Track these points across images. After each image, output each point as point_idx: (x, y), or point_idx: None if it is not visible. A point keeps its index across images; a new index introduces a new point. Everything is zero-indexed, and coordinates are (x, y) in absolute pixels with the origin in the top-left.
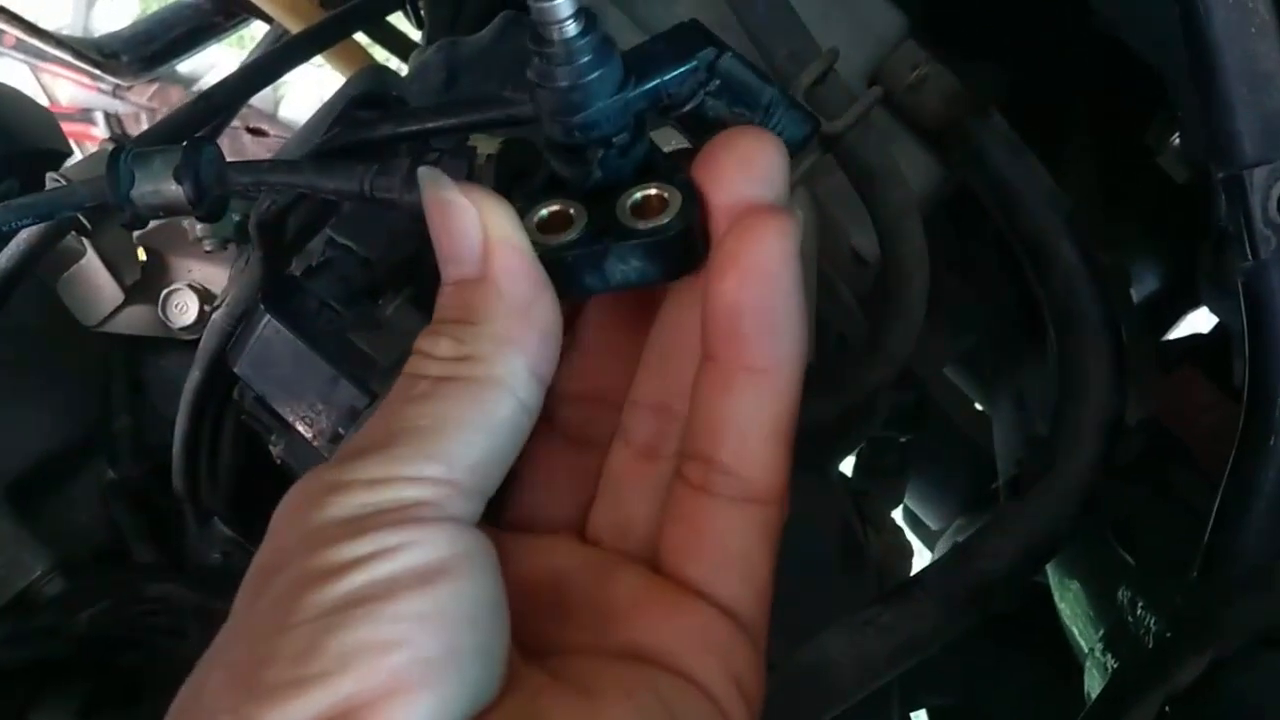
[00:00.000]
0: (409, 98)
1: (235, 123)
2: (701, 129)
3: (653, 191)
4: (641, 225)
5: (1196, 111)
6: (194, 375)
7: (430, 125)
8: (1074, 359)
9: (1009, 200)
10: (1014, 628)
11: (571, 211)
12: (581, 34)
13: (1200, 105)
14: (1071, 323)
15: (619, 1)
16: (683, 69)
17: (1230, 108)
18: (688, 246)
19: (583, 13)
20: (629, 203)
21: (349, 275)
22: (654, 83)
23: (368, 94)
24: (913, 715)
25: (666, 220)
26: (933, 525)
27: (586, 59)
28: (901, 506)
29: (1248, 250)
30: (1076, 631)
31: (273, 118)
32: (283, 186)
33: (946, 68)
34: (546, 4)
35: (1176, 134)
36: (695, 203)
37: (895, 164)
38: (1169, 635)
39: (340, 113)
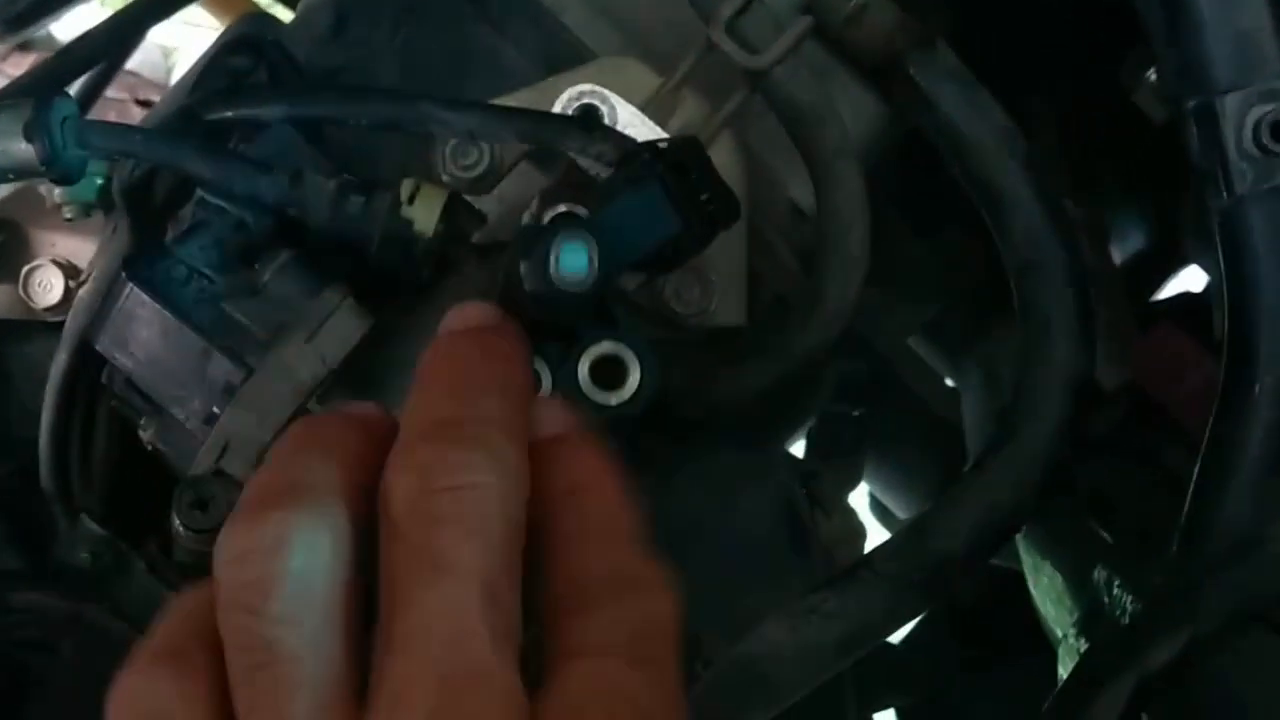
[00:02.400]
0: (291, 46)
1: (123, 94)
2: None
3: (612, 352)
4: (604, 400)
5: (1165, 36)
6: (60, 359)
7: (327, 112)
8: (1036, 315)
9: (959, 142)
10: (984, 623)
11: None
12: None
13: (1166, 25)
14: (1032, 274)
15: None
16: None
17: (1198, 27)
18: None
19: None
20: (588, 364)
21: (221, 239)
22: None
23: (243, 37)
24: (879, 717)
25: (631, 395)
26: (902, 514)
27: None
28: (869, 495)
29: (1222, 187)
30: (1050, 617)
31: (163, 87)
32: (155, 164)
33: None
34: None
35: (1152, 69)
36: (653, 365)
37: (829, 101)
38: (1144, 613)
39: (210, 60)
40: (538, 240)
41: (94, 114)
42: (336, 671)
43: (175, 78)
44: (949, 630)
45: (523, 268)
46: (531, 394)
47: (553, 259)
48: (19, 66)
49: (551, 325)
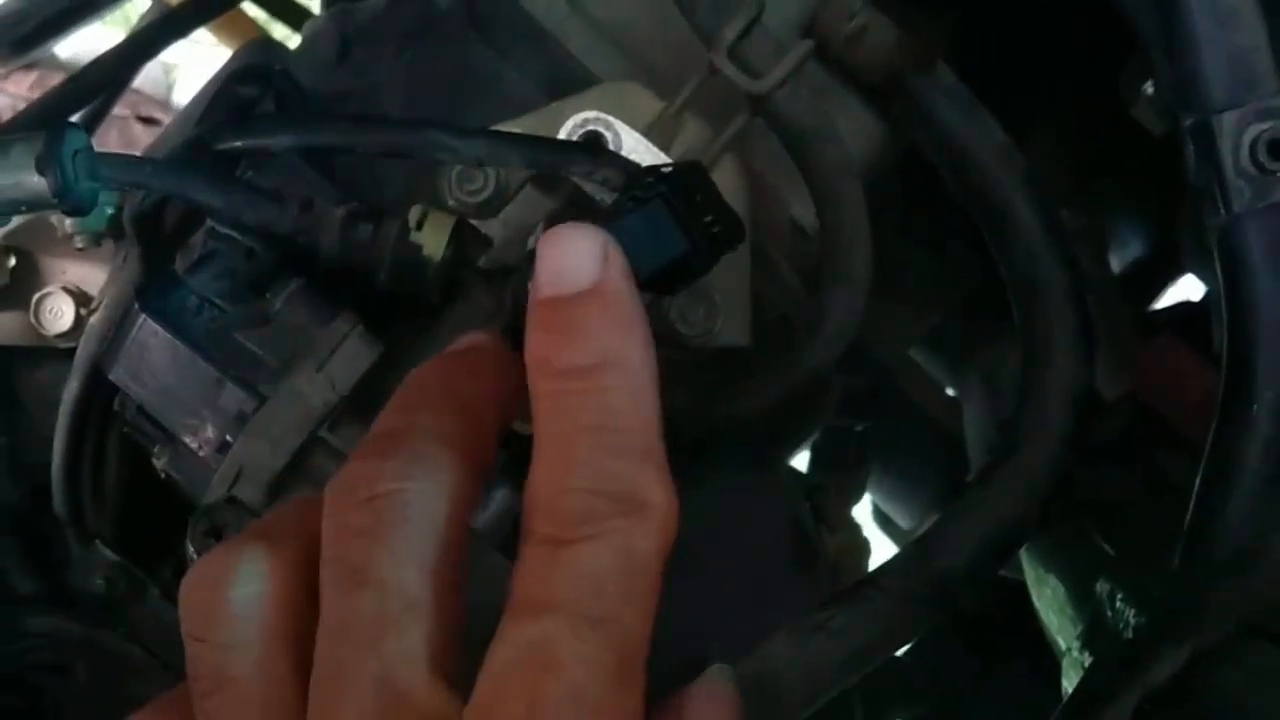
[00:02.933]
0: (296, 73)
1: (125, 111)
2: None
3: None
4: None
5: (1161, 53)
6: (72, 386)
7: (335, 142)
8: (1036, 330)
9: (958, 160)
10: (992, 631)
11: None
12: None
13: (1164, 44)
14: (1032, 291)
15: (574, 5)
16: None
17: (1196, 47)
18: None
19: None
20: None
21: (233, 268)
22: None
23: (250, 67)
24: None
25: None
26: (904, 524)
27: None
28: (871, 505)
29: (1220, 204)
30: (1054, 630)
31: (165, 104)
32: (167, 194)
33: (888, 17)
34: None
35: (1150, 81)
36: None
37: (830, 122)
38: (1147, 627)
39: (219, 89)
40: None
41: (97, 134)
42: (282, 693)
43: (176, 94)
44: (957, 637)
45: (531, 279)
46: (498, 407)
47: None
48: (20, 85)
49: None
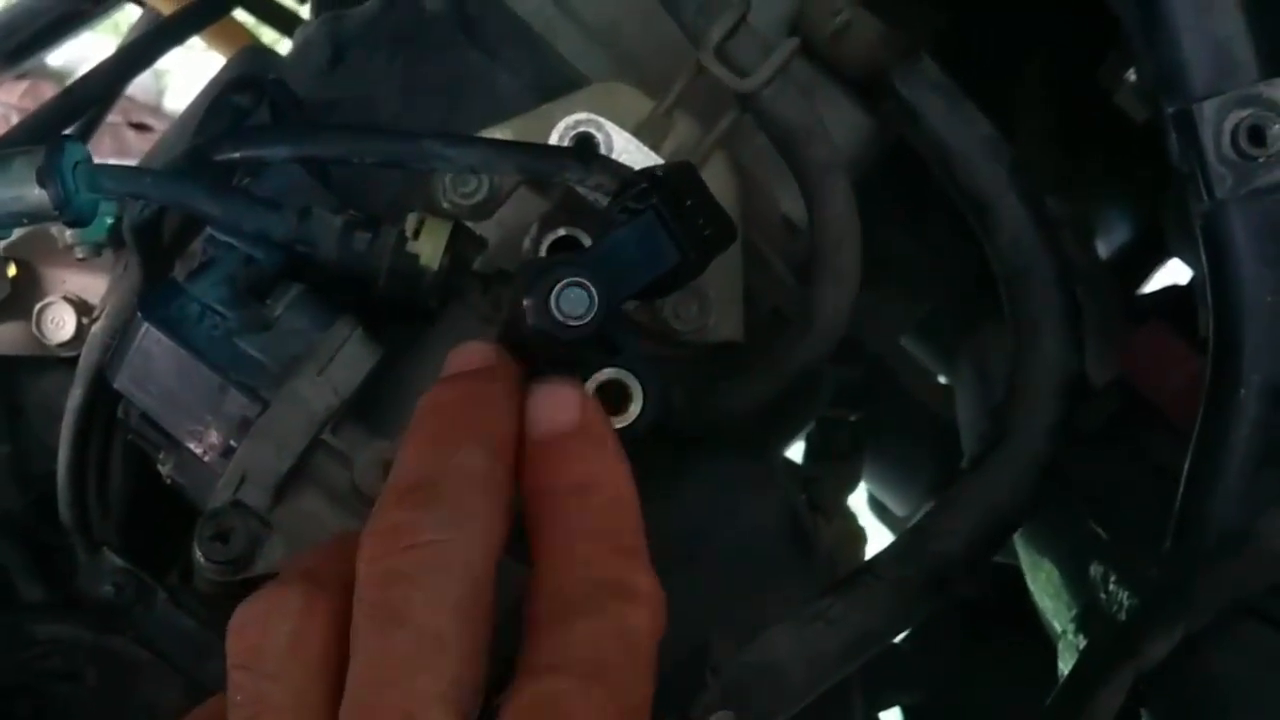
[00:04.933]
0: (290, 80)
1: (117, 117)
2: None
3: (615, 378)
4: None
5: (1143, 42)
6: (75, 395)
7: (331, 152)
8: (1025, 318)
9: (946, 152)
10: (988, 616)
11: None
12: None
13: (1145, 34)
14: (1020, 279)
15: (561, 6)
16: (648, 279)
17: (1176, 36)
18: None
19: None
20: (593, 390)
21: (233, 275)
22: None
23: (244, 76)
24: (883, 716)
25: (634, 419)
26: (899, 511)
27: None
28: (867, 494)
29: (1203, 190)
30: (1049, 613)
31: (156, 110)
32: (166, 204)
33: (872, 11)
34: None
35: (1132, 69)
36: (656, 390)
37: (817, 119)
38: (1139, 610)
39: (215, 100)
40: (539, 281)
41: (89, 141)
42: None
43: (167, 100)
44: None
45: (525, 305)
46: (516, 437)
47: (554, 300)
48: (12, 93)
49: (555, 355)
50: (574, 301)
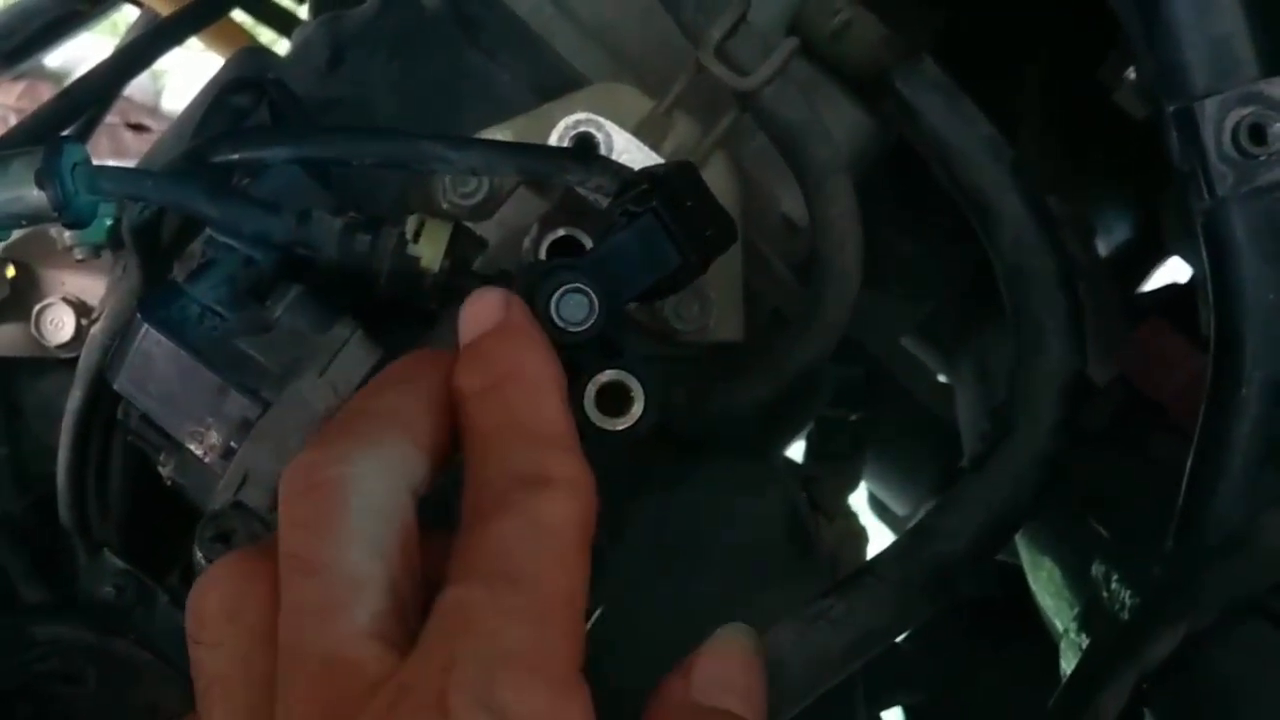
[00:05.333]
0: (289, 80)
1: (115, 118)
2: None
3: (616, 380)
4: (609, 426)
5: (1143, 41)
6: (75, 396)
7: (330, 154)
8: (1027, 318)
9: (946, 152)
10: (991, 616)
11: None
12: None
13: (1145, 32)
14: (1022, 279)
15: (559, 6)
16: (648, 283)
17: (1176, 35)
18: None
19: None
20: (594, 392)
21: (232, 276)
22: (622, 301)
23: (243, 78)
24: (885, 716)
25: (635, 421)
26: (900, 511)
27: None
28: (868, 494)
29: (1204, 189)
30: (1051, 612)
31: (154, 110)
32: (165, 206)
33: (872, 11)
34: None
35: (1132, 68)
36: (657, 392)
37: (819, 119)
38: (1141, 609)
39: (214, 101)
40: (539, 286)
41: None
42: (263, 685)
43: (165, 101)
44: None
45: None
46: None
47: (554, 306)
48: (9, 95)
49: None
50: (574, 307)
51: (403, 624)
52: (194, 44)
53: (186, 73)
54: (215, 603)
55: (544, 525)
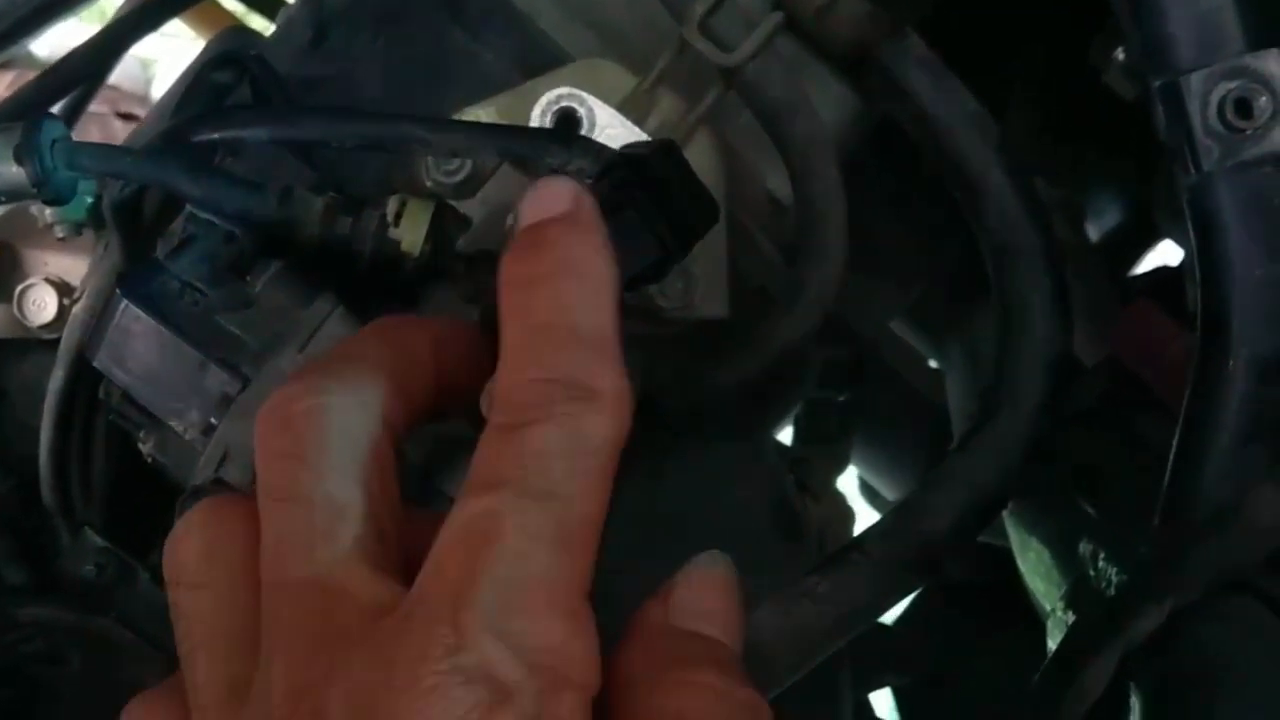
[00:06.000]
0: (273, 59)
1: (104, 107)
2: None
3: None
4: None
5: (1129, 15)
6: (57, 376)
7: (309, 135)
8: (1013, 298)
9: (932, 129)
10: (981, 597)
11: None
12: None
13: (1131, 7)
14: (1007, 257)
15: None
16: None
17: (1162, 8)
18: None
19: None
20: None
21: (213, 252)
22: None
23: (225, 54)
24: (874, 697)
25: None
26: (889, 495)
27: None
28: (858, 479)
29: (1190, 164)
30: (1039, 592)
31: (144, 99)
32: (145, 184)
33: None
34: None
35: (1121, 48)
36: (638, 373)
37: (802, 95)
38: (1127, 586)
39: (195, 77)
40: None
41: (77, 129)
42: (245, 622)
43: (155, 90)
44: (946, 604)
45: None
46: (440, 361)
47: None
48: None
49: None
50: None
51: (386, 552)
52: (185, 33)
53: (177, 62)
54: (194, 544)
55: (587, 441)
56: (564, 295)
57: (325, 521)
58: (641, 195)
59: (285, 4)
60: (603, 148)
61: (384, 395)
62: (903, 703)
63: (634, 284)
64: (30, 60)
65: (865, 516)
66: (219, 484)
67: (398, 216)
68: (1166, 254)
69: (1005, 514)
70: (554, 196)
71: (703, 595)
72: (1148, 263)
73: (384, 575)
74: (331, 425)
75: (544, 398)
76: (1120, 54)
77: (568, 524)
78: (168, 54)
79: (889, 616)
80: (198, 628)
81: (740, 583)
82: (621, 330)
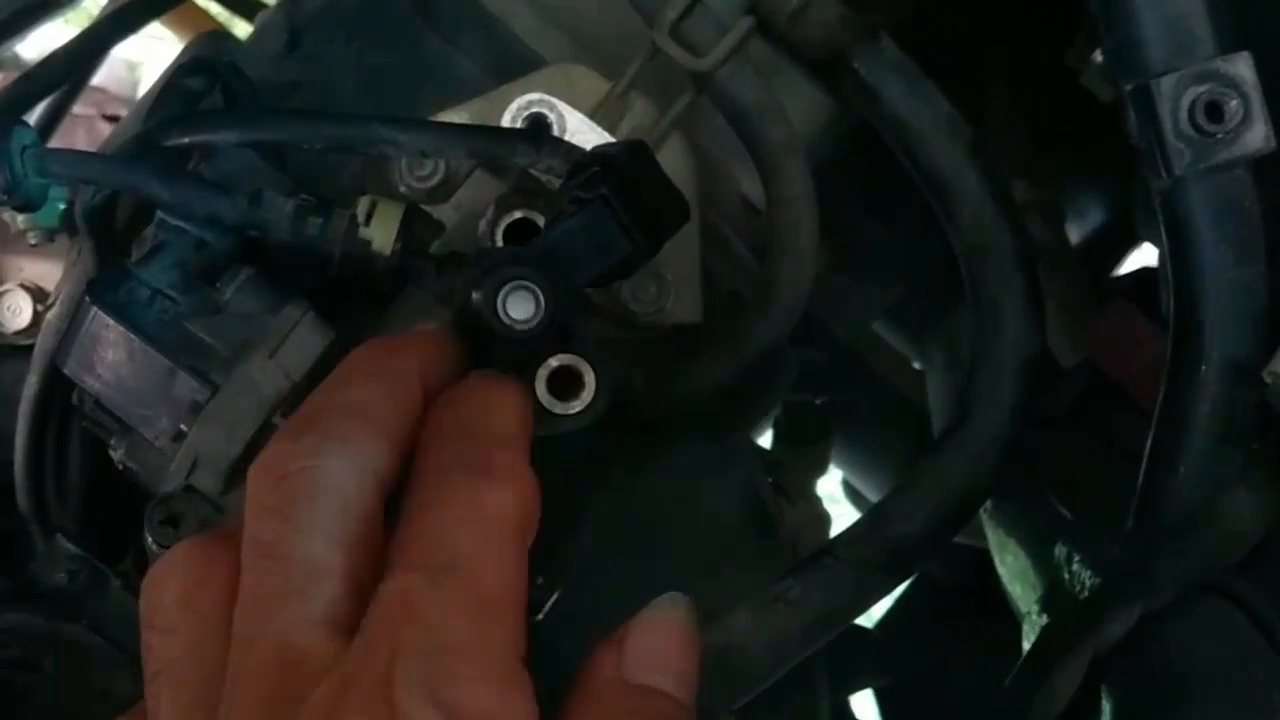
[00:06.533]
0: (246, 64)
1: (90, 110)
2: None
3: (567, 364)
4: (562, 410)
5: (1102, 18)
6: (31, 382)
7: (279, 137)
8: (985, 299)
9: (905, 133)
10: (959, 600)
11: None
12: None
13: (1102, 10)
14: (980, 258)
15: None
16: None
17: (1133, 13)
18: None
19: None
20: (545, 377)
21: (183, 259)
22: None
23: (198, 60)
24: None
25: (587, 405)
26: (873, 496)
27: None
28: (841, 479)
29: (1161, 167)
30: (1017, 594)
31: (130, 102)
32: (116, 189)
33: None
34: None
35: (1098, 50)
36: (609, 375)
37: (774, 100)
38: (1100, 589)
39: (166, 83)
40: (485, 281)
41: (62, 131)
42: (213, 671)
43: (141, 92)
44: (925, 607)
45: (474, 300)
46: (428, 383)
47: (501, 302)
48: None
49: (508, 344)
50: (521, 304)
51: (360, 616)
52: (170, 37)
53: (163, 65)
54: (171, 588)
55: (484, 514)
56: (462, 406)
57: (301, 582)
58: (610, 191)
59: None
60: (572, 147)
61: (377, 452)
62: (884, 704)
63: (603, 280)
64: (16, 63)
65: (849, 517)
66: (189, 490)
67: (369, 217)
68: (1151, 254)
69: (983, 516)
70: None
71: (657, 645)
72: (1131, 262)
73: (344, 640)
74: (322, 488)
75: (443, 481)
76: (1098, 56)
77: (479, 591)
78: (154, 56)
79: (869, 619)
80: (166, 673)
81: (699, 626)
82: (526, 428)
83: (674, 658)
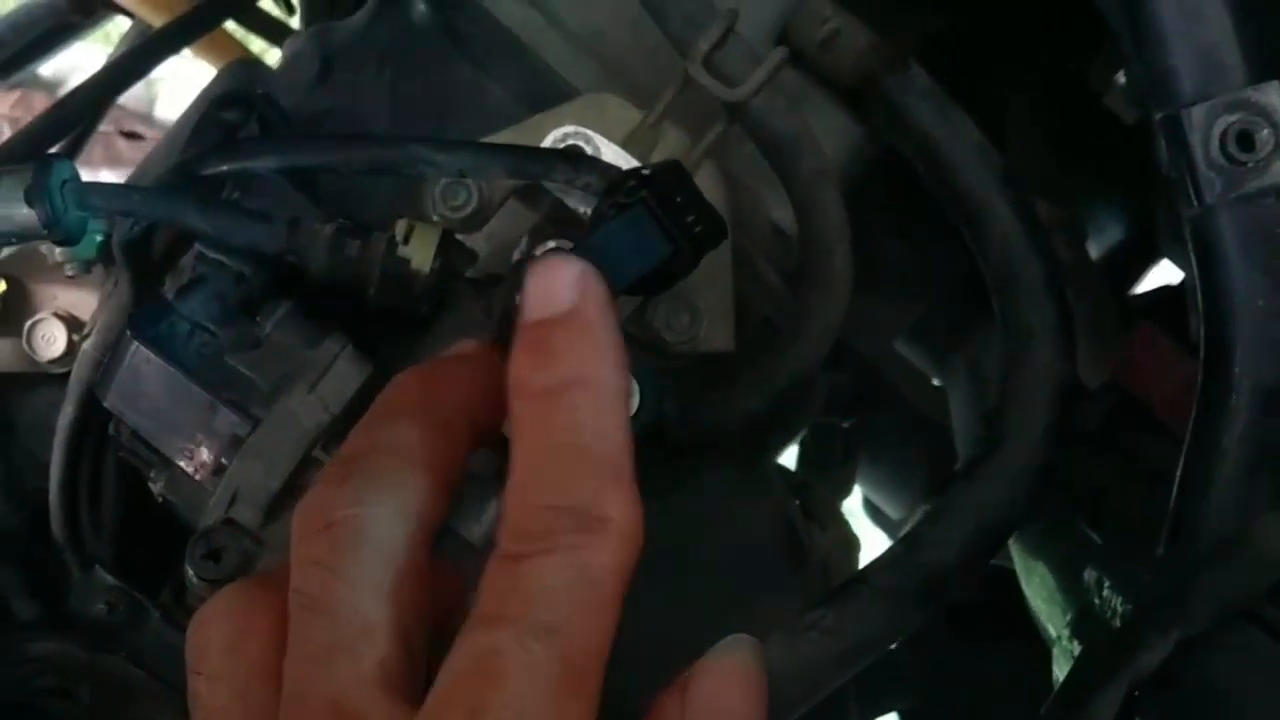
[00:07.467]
0: (278, 93)
1: (108, 126)
2: None
3: None
4: None
5: (1131, 47)
6: (67, 412)
7: (319, 161)
8: (1017, 325)
9: (935, 160)
10: (984, 620)
11: None
12: None
13: (1133, 39)
14: (1011, 286)
15: (549, 17)
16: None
17: (1164, 42)
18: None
19: None
20: None
21: (222, 292)
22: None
23: (233, 92)
24: None
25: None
26: (895, 515)
27: None
28: (862, 498)
29: (1192, 196)
30: (1044, 617)
31: (148, 118)
32: (154, 221)
33: (861, 19)
34: None
35: (1122, 72)
36: (653, 389)
37: (807, 129)
38: (1133, 616)
39: (203, 116)
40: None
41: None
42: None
43: (158, 109)
44: (949, 627)
45: (517, 303)
46: (474, 413)
47: None
48: (3, 104)
49: None
50: None
51: (410, 671)
52: (186, 52)
53: (179, 80)
54: (217, 635)
55: (591, 576)
56: (575, 412)
57: (351, 639)
58: (651, 197)
59: (288, 28)
60: (609, 166)
61: (423, 496)
62: None
63: (642, 287)
64: (35, 80)
65: (871, 535)
66: (229, 524)
67: (407, 237)
68: (1170, 270)
69: (1011, 538)
70: (556, 284)
71: (722, 690)
72: (1151, 279)
73: (401, 703)
74: (368, 537)
75: (550, 528)
76: (1121, 78)
77: (572, 662)
78: (172, 74)
79: None
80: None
81: (764, 669)
82: (633, 445)
83: (738, 702)
